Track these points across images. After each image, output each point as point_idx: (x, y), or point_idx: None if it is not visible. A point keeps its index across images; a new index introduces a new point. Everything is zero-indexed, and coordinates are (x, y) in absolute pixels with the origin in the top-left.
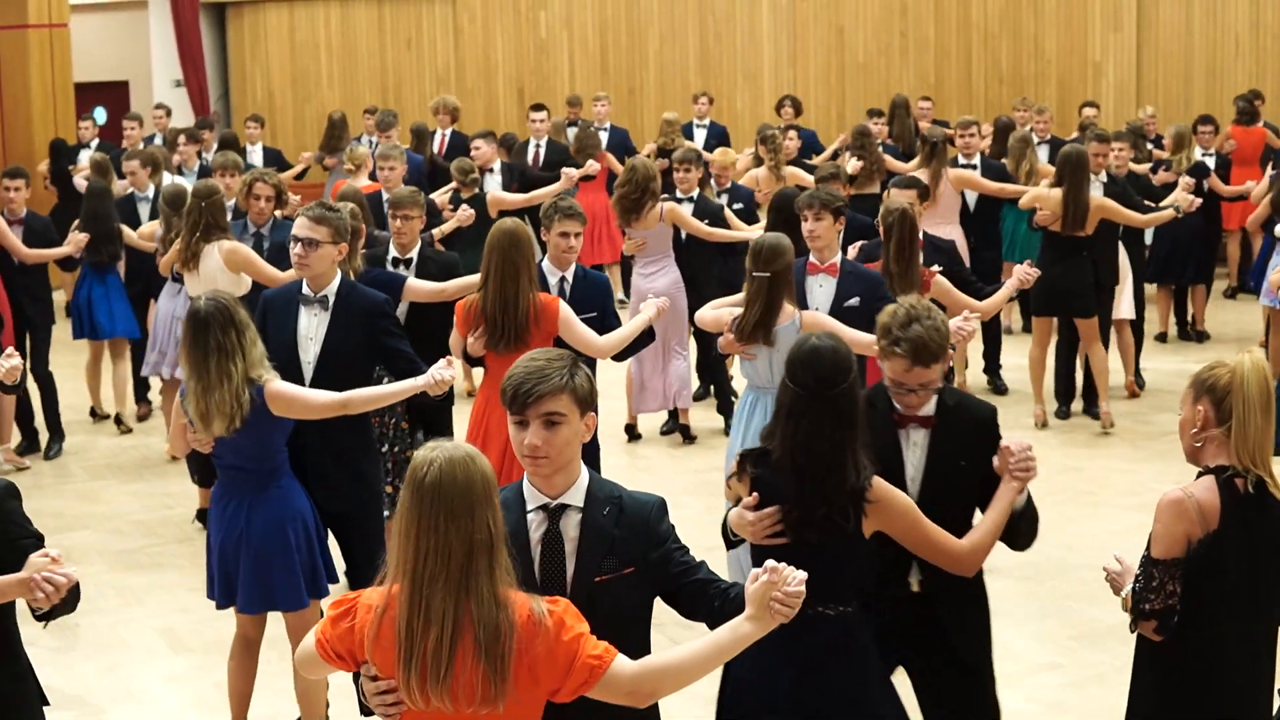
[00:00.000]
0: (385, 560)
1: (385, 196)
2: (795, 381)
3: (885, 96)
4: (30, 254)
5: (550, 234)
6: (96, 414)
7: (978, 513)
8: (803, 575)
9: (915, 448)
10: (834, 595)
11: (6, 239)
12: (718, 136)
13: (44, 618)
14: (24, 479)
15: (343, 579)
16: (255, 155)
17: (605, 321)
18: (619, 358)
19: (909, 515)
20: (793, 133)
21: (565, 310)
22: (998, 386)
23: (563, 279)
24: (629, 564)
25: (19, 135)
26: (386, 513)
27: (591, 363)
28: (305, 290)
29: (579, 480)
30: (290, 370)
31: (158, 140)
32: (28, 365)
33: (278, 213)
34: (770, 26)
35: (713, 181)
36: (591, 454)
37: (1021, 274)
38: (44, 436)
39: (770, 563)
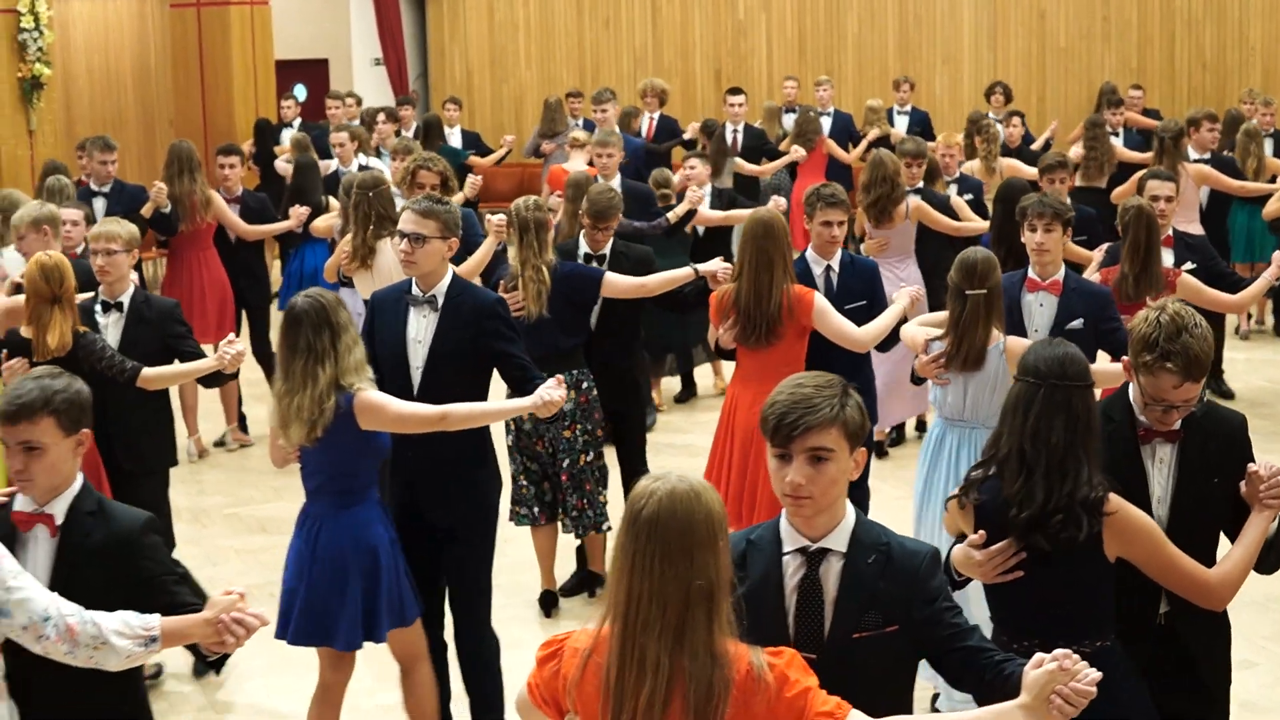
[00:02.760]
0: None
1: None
2: (1025, 372)
3: (1086, 82)
4: (251, 230)
5: (813, 223)
6: None
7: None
8: (1096, 675)
9: (1162, 465)
10: (1087, 628)
11: (225, 216)
12: (920, 123)
13: (216, 664)
14: (235, 459)
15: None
16: (454, 137)
17: (874, 310)
18: (881, 348)
19: (1153, 538)
20: (1016, 120)
21: (820, 302)
22: (1222, 390)
23: (828, 268)
24: (892, 621)
25: (220, 112)
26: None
27: None
28: (414, 290)
29: (844, 522)
30: (398, 375)
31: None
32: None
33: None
34: (971, 9)
35: (943, 172)
36: (859, 493)
37: None
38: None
39: (1060, 651)
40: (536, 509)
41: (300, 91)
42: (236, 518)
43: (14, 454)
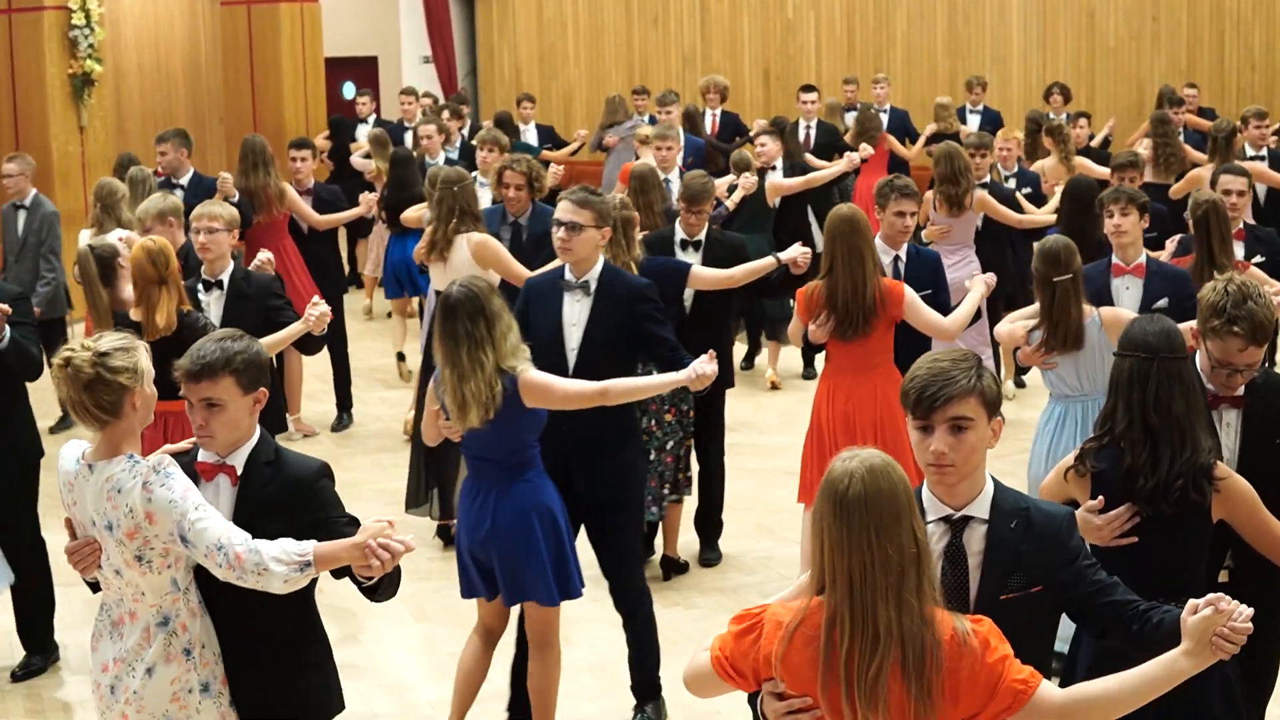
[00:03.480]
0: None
1: (662, 177)
2: (1135, 348)
3: (1136, 82)
4: (322, 219)
5: (886, 213)
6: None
7: None
8: (1249, 611)
9: (1229, 429)
10: (1190, 587)
11: (296, 206)
12: (992, 122)
13: (371, 592)
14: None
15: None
16: (530, 134)
17: (938, 299)
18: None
19: (1253, 502)
20: (1083, 121)
21: (910, 293)
22: None
23: (896, 258)
24: (1036, 581)
25: (270, 110)
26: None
27: None
28: (568, 276)
29: (984, 490)
30: (554, 358)
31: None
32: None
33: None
34: (1020, 9)
35: (999, 165)
36: None
37: None
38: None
39: (1213, 595)
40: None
41: (349, 89)
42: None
43: (196, 409)
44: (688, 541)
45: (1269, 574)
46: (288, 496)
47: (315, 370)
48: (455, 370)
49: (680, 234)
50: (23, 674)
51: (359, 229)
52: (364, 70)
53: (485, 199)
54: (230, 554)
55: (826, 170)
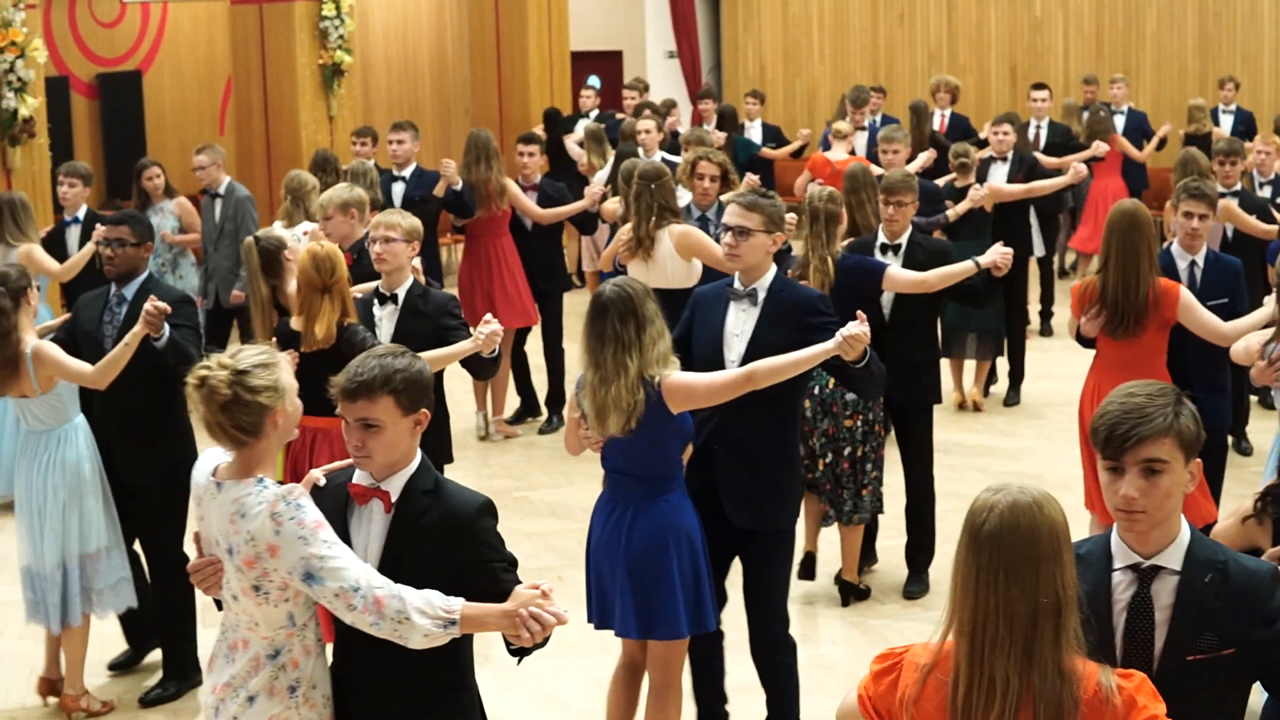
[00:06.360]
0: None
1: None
2: None
3: None
4: (546, 214)
5: (1176, 214)
6: None
7: None
8: None
9: None
10: None
11: (520, 202)
12: (1244, 123)
13: (518, 653)
14: (513, 447)
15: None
16: (754, 131)
17: (1236, 309)
18: None
19: None
20: None
21: (1186, 296)
22: None
23: (1192, 263)
24: (1229, 644)
25: (515, 103)
26: (858, 515)
27: None
28: (735, 284)
29: (1179, 538)
30: (711, 368)
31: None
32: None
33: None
34: (1273, 9)
35: (1255, 172)
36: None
37: None
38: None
39: None
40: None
41: (594, 82)
42: (526, 501)
43: (352, 430)
44: (892, 568)
45: None
46: (444, 531)
47: (535, 361)
48: (598, 372)
49: (881, 238)
50: (153, 698)
51: (584, 225)
52: (609, 64)
53: (684, 198)
54: (370, 598)
55: (1050, 182)
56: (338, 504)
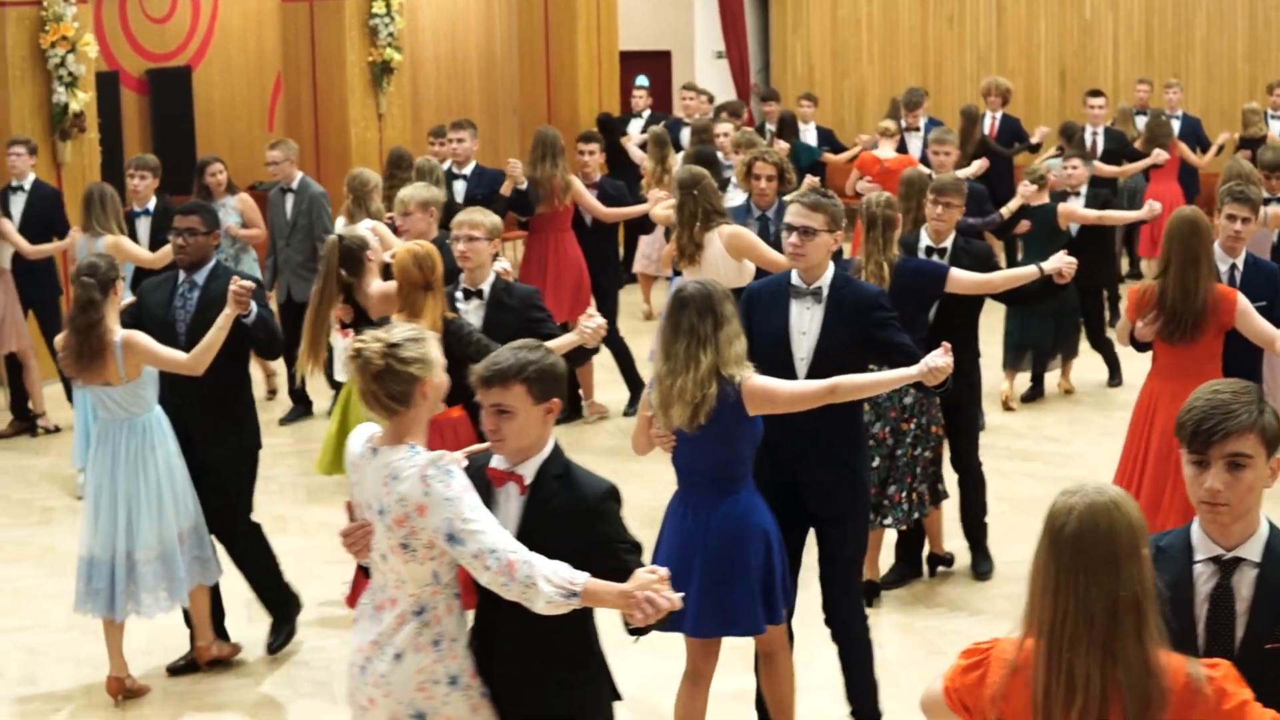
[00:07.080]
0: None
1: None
2: None
3: None
4: (610, 213)
5: (1219, 217)
6: None
7: None
8: None
9: None
10: None
11: (583, 199)
12: None
13: (635, 632)
14: (596, 431)
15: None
16: (809, 134)
17: (1274, 312)
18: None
19: None
20: None
21: (1243, 302)
22: None
23: (1233, 266)
24: None
25: (564, 102)
26: (889, 519)
27: None
28: (796, 281)
29: (1259, 531)
30: (780, 368)
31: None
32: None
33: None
34: None
35: None
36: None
37: None
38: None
39: None
40: None
41: (642, 83)
42: None
43: (488, 414)
44: (938, 573)
45: None
46: (574, 513)
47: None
48: (667, 364)
49: (926, 240)
50: (278, 644)
51: (641, 225)
52: (657, 65)
53: (737, 198)
54: (504, 560)
55: (1123, 214)
56: (479, 486)
